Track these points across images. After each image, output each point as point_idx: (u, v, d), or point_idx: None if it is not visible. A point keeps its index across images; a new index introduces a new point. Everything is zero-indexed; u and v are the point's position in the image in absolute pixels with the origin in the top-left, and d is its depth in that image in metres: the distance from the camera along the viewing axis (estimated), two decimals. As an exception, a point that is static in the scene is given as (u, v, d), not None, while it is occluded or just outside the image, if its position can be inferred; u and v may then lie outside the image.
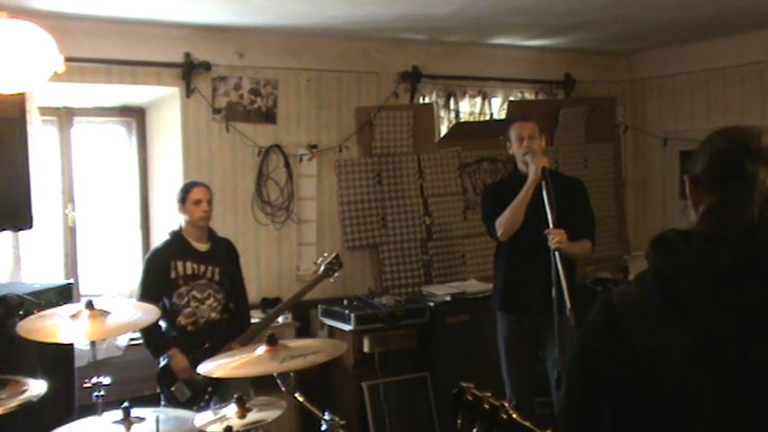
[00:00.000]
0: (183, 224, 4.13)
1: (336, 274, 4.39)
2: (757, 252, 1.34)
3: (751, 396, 1.31)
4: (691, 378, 1.32)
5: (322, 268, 4.37)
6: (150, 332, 3.87)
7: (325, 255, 4.45)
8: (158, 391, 4.05)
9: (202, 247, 4.13)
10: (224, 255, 4.20)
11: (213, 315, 4.06)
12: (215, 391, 3.95)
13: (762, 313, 1.32)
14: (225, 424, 2.88)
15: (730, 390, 1.30)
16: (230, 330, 4.08)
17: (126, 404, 2.90)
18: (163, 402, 3.98)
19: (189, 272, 4.05)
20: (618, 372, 1.40)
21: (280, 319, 4.73)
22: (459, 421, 1.54)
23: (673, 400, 1.34)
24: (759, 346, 1.31)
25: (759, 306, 1.32)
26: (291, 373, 2.94)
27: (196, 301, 4.04)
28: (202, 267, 4.08)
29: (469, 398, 1.53)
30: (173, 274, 4.02)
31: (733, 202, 1.40)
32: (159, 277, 4.02)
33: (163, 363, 3.99)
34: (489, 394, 1.55)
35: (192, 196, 4.07)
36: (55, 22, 3.78)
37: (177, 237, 4.12)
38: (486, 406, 1.52)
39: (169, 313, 4.01)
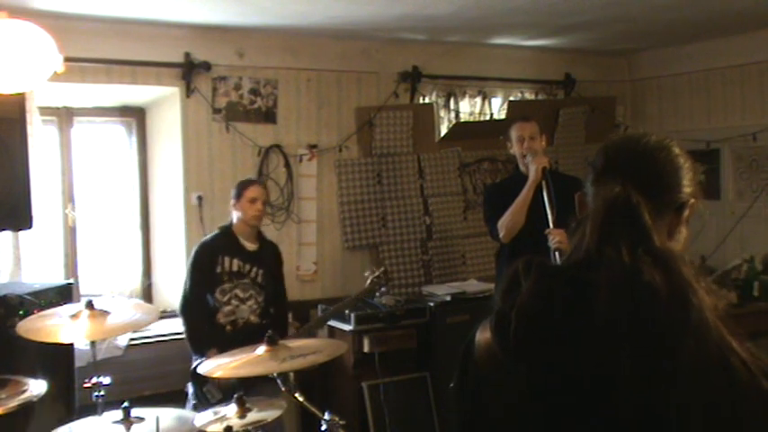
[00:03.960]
0: (235, 220, 4.09)
1: (383, 289, 4.54)
2: (585, 289, 1.14)
3: None
4: None
5: (368, 282, 4.46)
6: (196, 327, 3.86)
7: (373, 269, 4.58)
8: (188, 389, 3.95)
9: (251, 246, 4.09)
10: (270, 257, 4.17)
11: (252, 318, 4.02)
12: (245, 395, 3.91)
13: (593, 364, 1.10)
14: (225, 424, 2.88)
15: None
16: None
17: (126, 404, 2.90)
18: (191, 400, 3.91)
19: (235, 269, 4.01)
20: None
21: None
22: None
23: None
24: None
25: (586, 358, 1.11)
26: (291, 373, 2.95)
27: (237, 299, 4.00)
28: (248, 266, 4.04)
29: None
30: (218, 269, 3.99)
31: (586, 223, 1.21)
32: (205, 270, 3.98)
33: (200, 361, 3.94)
34: None
35: (249, 194, 4.02)
36: (55, 22, 3.78)
37: (227, 232, 4.08)
38: None
39: (210, 309, 3.97)
